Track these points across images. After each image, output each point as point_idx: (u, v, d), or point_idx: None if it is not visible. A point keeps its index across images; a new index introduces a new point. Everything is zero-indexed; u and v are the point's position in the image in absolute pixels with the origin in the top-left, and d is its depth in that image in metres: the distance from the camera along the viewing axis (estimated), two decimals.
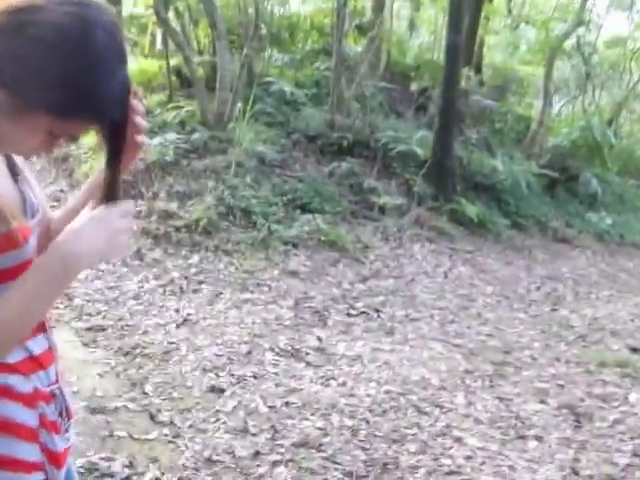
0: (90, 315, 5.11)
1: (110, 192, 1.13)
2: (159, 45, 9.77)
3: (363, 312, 5.46)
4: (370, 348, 4.74)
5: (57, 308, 5.24)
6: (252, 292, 5.69)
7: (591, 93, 12.33)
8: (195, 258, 6.29)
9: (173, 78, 9.02)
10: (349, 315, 5.38)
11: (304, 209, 7.47)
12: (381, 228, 7.56)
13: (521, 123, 11.82)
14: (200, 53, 9.50)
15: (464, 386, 4.24)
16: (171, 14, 9.05)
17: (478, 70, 11.53)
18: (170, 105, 8.47)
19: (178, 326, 4.92)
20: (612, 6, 15.90)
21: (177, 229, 6.69)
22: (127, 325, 4.91)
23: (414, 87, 11.10)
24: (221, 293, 5.62)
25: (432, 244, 7.62)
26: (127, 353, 4.40)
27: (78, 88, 1.03)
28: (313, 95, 9.60)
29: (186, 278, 5.90)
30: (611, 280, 7.81)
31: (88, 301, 5.37)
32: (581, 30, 12.02)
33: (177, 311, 5.20)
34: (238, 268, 6.15)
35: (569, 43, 11.93)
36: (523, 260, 7.97)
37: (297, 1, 11.62)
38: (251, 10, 9.17)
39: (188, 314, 5.14)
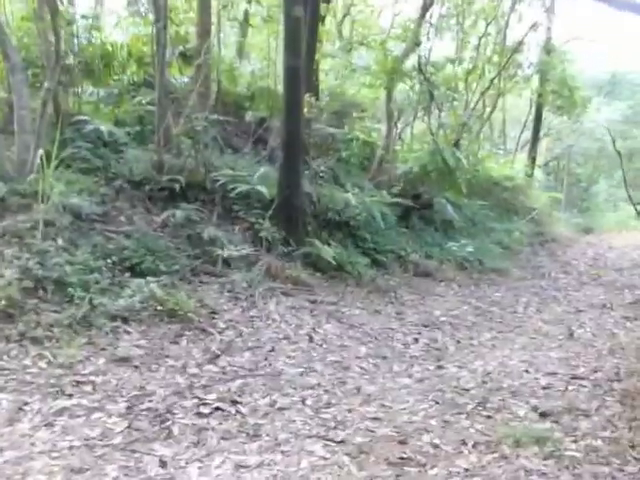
0: None
1: None
2: None
3: (217, 408, 4.26)
4: (232, 465, 3.57)
5: None
6: (70, 396, 4.33)
7: (434, 115, 11.87)
8: None
9: None
10: (200, 415, 4.16)
11: (134, 271, 6.18)
12: (228, 286, 6.41)
13: (366, 150, 11.11)
14: None
15: None
16: None
17: (316, 96, 10.70)
18: None
19: None
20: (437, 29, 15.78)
21: None
22: None
23: (250, 118, 10.10)
24: (27, 403, 4.22)
25: (289, 298, 6.56)
26: None
27: None
28: (136, 134, 8.33)
29: None
30: (486, 318, 7.09)
31: None
32: (419, 51, 11.55)
33: None
34: (51, 362, 4.75)
35: (408, 65, 11.40)
36: (391, 305, 7.10)
37: (110, 28, 10.29)
38: (53, 37, 7.77)
39: None
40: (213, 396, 4.43)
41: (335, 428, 4.12)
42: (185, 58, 10.00)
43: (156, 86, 8.14)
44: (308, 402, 4.48)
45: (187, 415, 4.15)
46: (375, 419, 4.28)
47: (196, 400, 4.36)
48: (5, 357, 4.79)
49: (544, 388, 4.95)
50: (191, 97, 8.67)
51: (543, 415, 4.43)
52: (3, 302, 5.26)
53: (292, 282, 6.89)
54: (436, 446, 3.94)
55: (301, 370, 5.06)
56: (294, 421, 4.18)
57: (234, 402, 4.37)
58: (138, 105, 8.66)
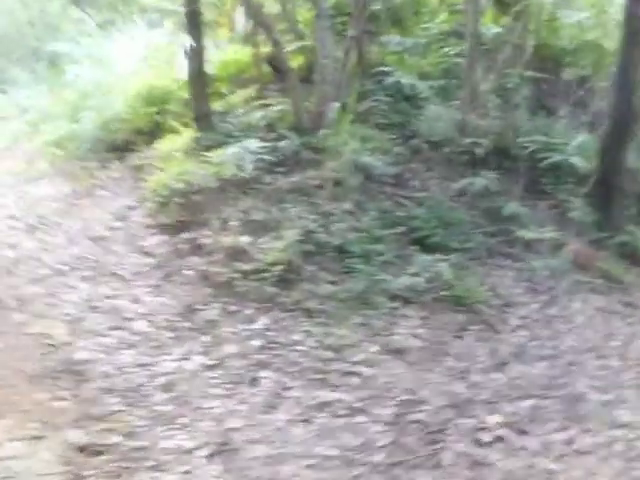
0: (94, 420, 3.49)
1: None
2: (241, 28, 8.11)
3: (499, 437, 3.51)
4: None
5: (61, 400, 3.70)
6: (334, 388, 3.88)
7: None
8: (263, 322, 4.56)
9: (264, 69, 7.34)
10: (477, 442, 3.43)
11: (422, 245, 5.56)
12: (526, 274, 5.53)
13: None
14: (301, 38, 7.71)
15: None
16: None
17: None
18: (256, 103, 6.80)
19: (211, 456, 3.20)
20: None
21: (245, 275, 4.98)
22: (136, 447, 3.25)
23: (569, 76, 8.85)
24: (287, 388, 3.85)
25: (599, 296, 5.49)
26: None
27: None
28: (440, 88, 7.57)
29: (248, 357, 4.18)
30: None
31: (103, 390, 3.77)
32: None
33: (218, 422, 3.48)
34: (321, 341, 4.35)
35: None
36: None
37: None
38: None
39: (231, 430, 3.41)
40: (496, 418, 3.67)
41: None
42: (501, 6, 9.00)
43: (466, 36, 7.36)
44: (616, 448, 3.53)
45: (462, 439, 3.45)
46: None
47: (475, 420, 3.63)
48: (276, 329, 4.49)
49: None
50: (504, 50, 7.74)
51: None
52: (282, 266, 4.97)
53: (603, 276, 5.79)
54: None
55: (609, 398, 4.07)
56: (597, 475, 3.28)
57: (521, 431, 3.58)
58: (445, 57, 7.93)
